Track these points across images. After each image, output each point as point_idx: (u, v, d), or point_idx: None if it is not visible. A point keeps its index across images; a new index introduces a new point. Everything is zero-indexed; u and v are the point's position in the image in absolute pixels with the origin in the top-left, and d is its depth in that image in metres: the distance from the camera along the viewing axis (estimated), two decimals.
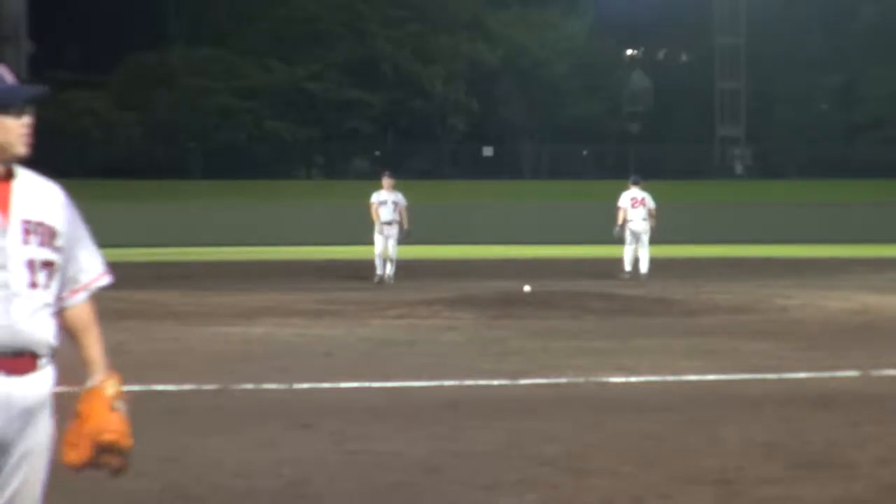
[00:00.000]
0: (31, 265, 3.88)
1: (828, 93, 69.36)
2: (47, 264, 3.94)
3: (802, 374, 11.48)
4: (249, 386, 10.71)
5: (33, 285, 3.90)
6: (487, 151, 62.09)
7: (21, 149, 3.99)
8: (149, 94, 61.06)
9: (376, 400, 10.03)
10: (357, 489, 7.03)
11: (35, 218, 3.92)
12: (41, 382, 4.03)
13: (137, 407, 10.12)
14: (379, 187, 24.63)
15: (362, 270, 26.85)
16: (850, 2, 67.68)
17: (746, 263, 31.23)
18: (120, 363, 13.69)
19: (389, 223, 24.13)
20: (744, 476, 7.28)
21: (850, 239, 43.36)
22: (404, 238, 24.55)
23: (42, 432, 4.01)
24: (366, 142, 65.26)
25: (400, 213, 24.37)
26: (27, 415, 3.94)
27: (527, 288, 18.91)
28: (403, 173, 60.92)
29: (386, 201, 24.27)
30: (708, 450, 8.00)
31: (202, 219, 44.74)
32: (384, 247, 24.06)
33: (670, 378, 11.22)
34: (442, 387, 10.64)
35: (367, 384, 10.79)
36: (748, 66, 68.71)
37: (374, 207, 24.29)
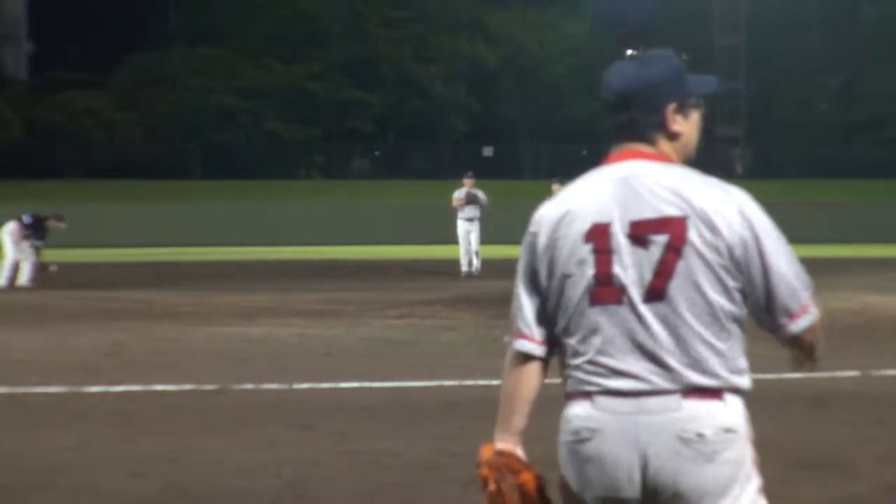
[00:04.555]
0: None
1: (828, 93, 69.41)
2: None
3: (802, 374, 11.46)
4: (249, 386, 10.70)
5: None
6: (487, 151, 62.12)
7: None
8: (149, 94, 61.12)
9: (376, 400, 10.02)
10: (357, 489, 7.02)
11: None
12: None
13: (137, 407, 10.12)
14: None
15: (362, 271, 26.83)
16: (850, 2, 67.72)
17: None
18: (120, 363, 13.71)
19: (471, 219, 25.60)
20: None
21: (850, 239, 43.36)
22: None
23: None
24: (366, 142, 65.30)
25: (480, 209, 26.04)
26: None
27: None
28: (403, 173, 61.33)
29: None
30: None
31: (202, 219, 44.74)
32: (468, 242, 25.57)
33: None
34: (442, 387, 10.63)
35: (367, 384, 10.79)
36: (748, 66, 68.74)
37: (456, 202, 25.82)
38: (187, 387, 10.60)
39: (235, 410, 9.50)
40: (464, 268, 25.54)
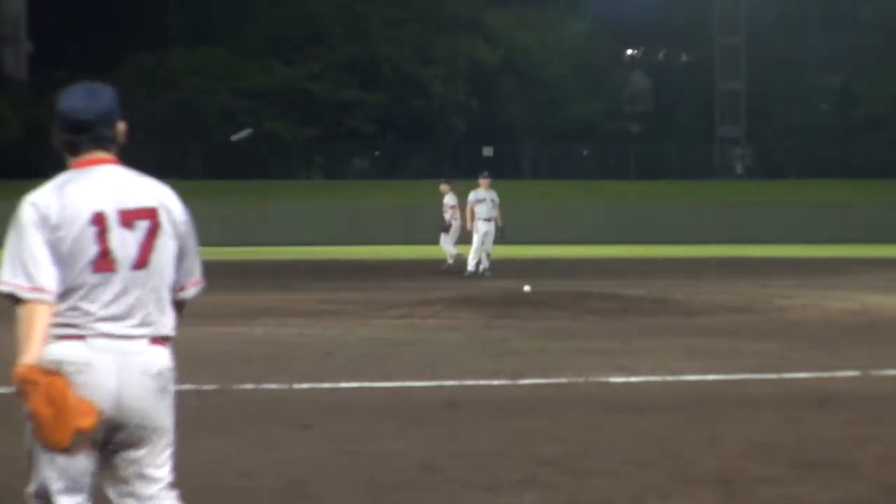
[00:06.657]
0: None
1: (828, 93, 69.40)
2: None
3: (802, 374, 11.47)
4: (249, 386, 10.70)
5: None
6: (487, 151, 62.10)
7: None
8: (149, 94, 61.06)
9: (376, 400, 10.03)
10: (357, 489, 7.02)
11: None
12: None
13: None
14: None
15: (362, 271, 26.81)
16: (850, 2, 67.71)
17: (746, 263, 31.22)
18: None
19: (487, 220, 25.74)
20: (744, 476, 7.28)
21: (850, 239, 43.36)
22: (501, 236, 26.24)
23: None
24: (366, 142, 65.27)
25: (496, 211, 26.07)
26: None
27: (527, 288, 18.89)
28: (403, 173, 61.31)
29: (484, 199, 25.93)
30: (708, 450, 7.99)
31: (202, 219, 44.13)
32: (484, 242, 25.71)
33: (670, 378, 11.21)
34: (442, 387, 10.63)
35: (367, 384, 10.78)
36: (748, 66, 68.74)
37: (469, 206, 25.98)
38: (187, 387, 10.59)
39: (235, 410, 9.51)
40: (470, 267, 25.57)
